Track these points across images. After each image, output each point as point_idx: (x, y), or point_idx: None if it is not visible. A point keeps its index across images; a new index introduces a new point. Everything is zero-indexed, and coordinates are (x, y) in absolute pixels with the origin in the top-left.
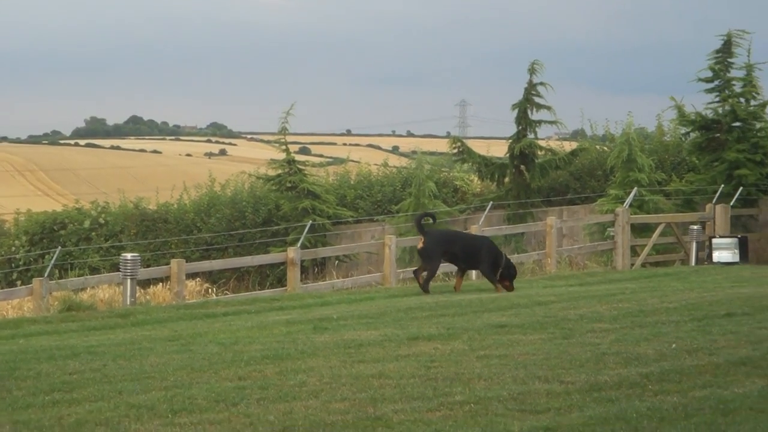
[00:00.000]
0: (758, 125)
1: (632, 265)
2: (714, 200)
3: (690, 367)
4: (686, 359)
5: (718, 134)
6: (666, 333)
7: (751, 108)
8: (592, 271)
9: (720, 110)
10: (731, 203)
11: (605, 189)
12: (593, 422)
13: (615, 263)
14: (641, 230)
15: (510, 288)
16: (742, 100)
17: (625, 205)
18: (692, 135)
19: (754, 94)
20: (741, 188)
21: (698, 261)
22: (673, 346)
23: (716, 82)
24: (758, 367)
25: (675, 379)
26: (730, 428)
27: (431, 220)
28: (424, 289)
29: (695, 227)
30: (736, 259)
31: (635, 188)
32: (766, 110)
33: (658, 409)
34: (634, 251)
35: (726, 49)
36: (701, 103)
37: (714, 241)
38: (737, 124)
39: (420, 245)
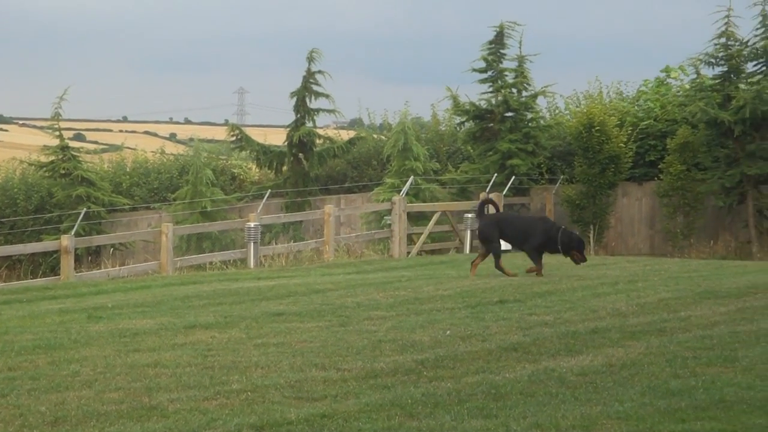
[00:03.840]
0: (529, 116)
1: (409, 253)
2: (488, 189)
3: (464, 353)
4: (460, 345)
5: (492, 124)
6: (441, 320)
7: (523, 99)
8: (370, 259)
9: (493, 100)
10: (504, 192)
11: (382, 178)
12: (369, 409)
13: (392, 251)
14: (417, 219)
15: (580, 259)
16: (514, 90)
17: (401, 193)
18: (467, 125)
19: (525, 85)
20: (513, 177)
21: (473, 249)
22: (448, 332)
23: (490, 73)
24: (528, 352)
25: (449, 365)
26: (501, 412)
27: (494, 209)
28: (500, 270)
29: (470, 215)
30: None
31: (411, 177)
32: (537, 101)
33: (432, 394)
34: (411, 239)
35: (499, 40)
36: (476, 93)
37: None
38: (510, 114)
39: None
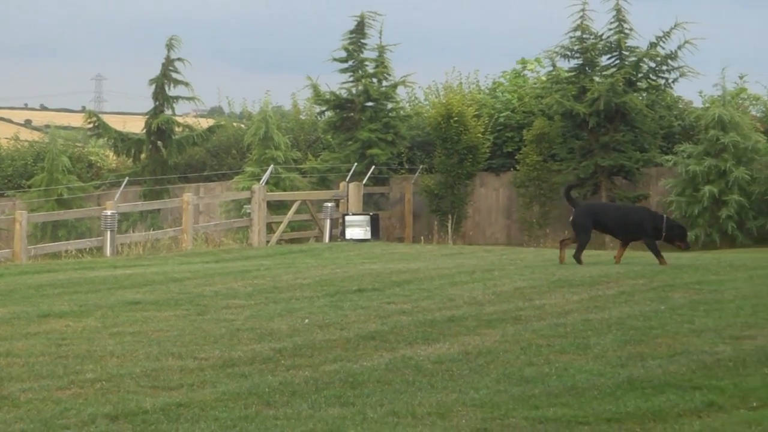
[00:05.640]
0: (390, 105)
1: (268, 242)
2: (348, 178)
3: (322, 342)
4: (318, 334)
5: (352, 114)
6: (299, 309)
7: (383, 88)
8: (229, 248)
9: (354, 90)
10: (364, 181)
11: (242, 166)
12: (226, 397)
13: (251, 240)
14: (277, 207)
15: (684, 247)
16: (374, 80)
17: (261, 182)
18: (327, 114)
19: (385, 74)
20: (373, 167)
21: (332, 238)
22: (306, 321)
23: (350, 63)
24: (386, 340)
25: (307, 353)
26: (358, 400)
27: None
28: (577, 260)
29: (329, 205)
30: (368, 236)
31: (272, 166)
32: (397, 91)
33: (290, 383)
34: (270, 228)
35: (359, 30)
36: (336, 82)
37: (347, 218)
38: (370, 104)
39: (571, 218)
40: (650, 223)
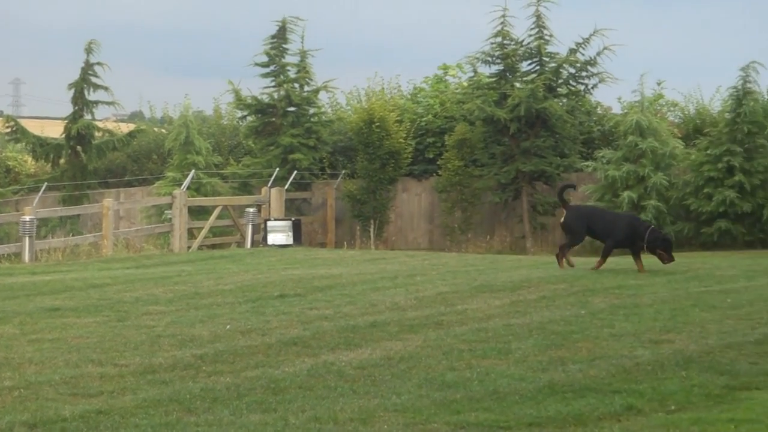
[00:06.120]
0: (312, 110)
1: (189, 247)
2: (269, 184)
3: (243, 348)
4: (240, 340)
5: (274, 119)
6: (221, 314)
7: (305, 93)
8: (149, 253)
9: (275, 95)
10: (286, 187)
11: (163, 171)
12: (147, 404)
13: (172, 246)
14: (199, 213)
15: (666, 259)
16: (296, 85)
17: (182, 187)
18: (249, 119)
19: (307, 79)
20: (295, 172)
21: (254, 243)
22: (228, 327)
23: (272, 67)
24: (308, 346)
25: (229, 359)
26: (280, 406)
27: (572, 190)
28: (559, 260)
29: (251, 210)
30: (290, 241)
31: (193, 171)
32: (319, 96)
33: (211, 389)
34: (192, 234)
35: (281, 35)
36: (258, 87)
37: (269, 223)
38: (292, 109)
39: (561, 219)
40: (629, 230)
